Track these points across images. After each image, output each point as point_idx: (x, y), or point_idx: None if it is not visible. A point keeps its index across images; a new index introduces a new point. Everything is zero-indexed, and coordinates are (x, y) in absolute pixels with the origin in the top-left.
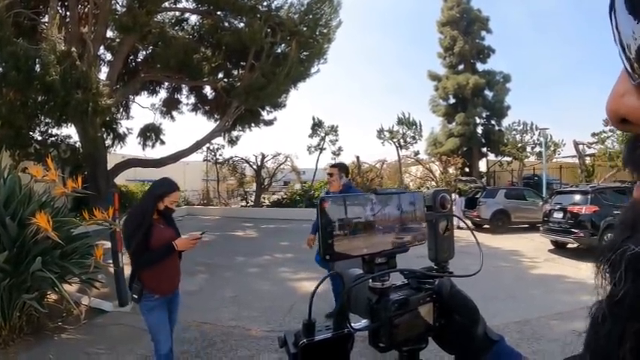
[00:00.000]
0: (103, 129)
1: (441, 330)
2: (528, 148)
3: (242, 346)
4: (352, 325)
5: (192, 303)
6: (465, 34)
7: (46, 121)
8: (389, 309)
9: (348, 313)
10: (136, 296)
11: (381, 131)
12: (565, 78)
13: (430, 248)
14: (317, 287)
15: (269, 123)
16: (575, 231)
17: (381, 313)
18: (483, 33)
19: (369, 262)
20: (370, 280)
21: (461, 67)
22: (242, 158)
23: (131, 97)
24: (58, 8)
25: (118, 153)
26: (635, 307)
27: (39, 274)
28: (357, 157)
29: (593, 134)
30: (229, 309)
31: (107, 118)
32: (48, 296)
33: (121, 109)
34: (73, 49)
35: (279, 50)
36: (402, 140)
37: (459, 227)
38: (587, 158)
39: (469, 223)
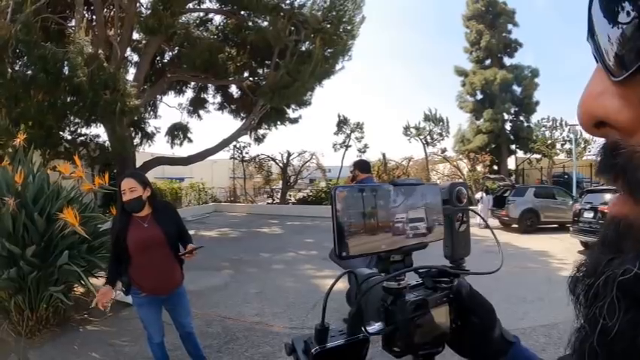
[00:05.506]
0: (132, 128)
1: (457, 333)
2: (558, 145)
3: (264, 342)
4: (367, 328)
5: (216, 298)
6: (491, 28)
7: (76, 121)
8: (406, 310)
9: (364, 316)
10: (124, 289)
11: (407, 128)
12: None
13: (446, 245)
14: (330, 289)
15: (294, 121)
16: None
17: (397, 315)
18: (510, 26)
19: (385, 260)
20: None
21: (488, 61)
22: (268, 156)
23: (158, 97)
24: (85, 12)
25: (146, 151)
26: (634, 342)
27: (66, 267)
28: (383, 155)
29: None
30: (253, 305)
31: (135, 118)
32: (75, 289)
33: (149, 109)
34: (100, 51)
35: (303, 48)
36: (428, 137)
37: (486, 226)
38: None
39: (489, 220)
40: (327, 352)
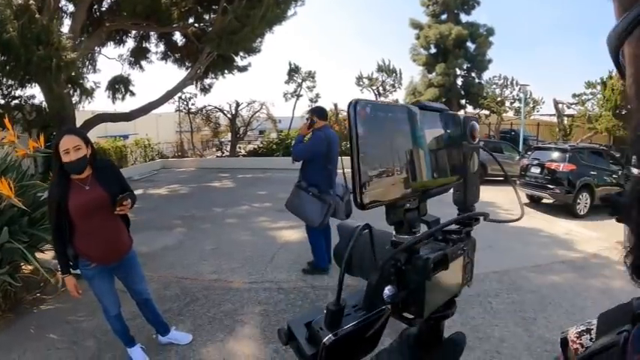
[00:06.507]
0: (69, 85)
1: None
2: (507, 103)
3: (225, 299)
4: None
5: (171, 258)
6: None
7: (9, 83)
8: (427, 269)
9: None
10: (71, 263)
11: (360, 78)
12: (550, 37)
13: (457, 190)
14: (347, 260)
15: (243, 69)
16: (552, 187)
17: (413, 275)
18: None
19: (399, 208)
20: (394, 234)
21: (444, 16)
22: (216, 107)
23: (97, 49)
24: None
25: (86, 109)
26: None
27: (8, 245)
28: (335, 105)
29: (574, 95)
30: (209, 262)
31: (72, 73)
32: (22, 268)
33: (87, 63)
34: (32, 1)
35: None
36: (381, 88)
37: (505, 177)
38: (566, 118)
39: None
40: (342, 338)
